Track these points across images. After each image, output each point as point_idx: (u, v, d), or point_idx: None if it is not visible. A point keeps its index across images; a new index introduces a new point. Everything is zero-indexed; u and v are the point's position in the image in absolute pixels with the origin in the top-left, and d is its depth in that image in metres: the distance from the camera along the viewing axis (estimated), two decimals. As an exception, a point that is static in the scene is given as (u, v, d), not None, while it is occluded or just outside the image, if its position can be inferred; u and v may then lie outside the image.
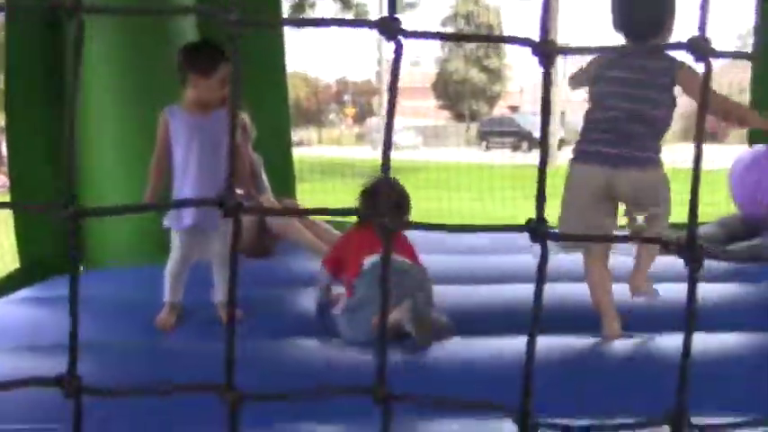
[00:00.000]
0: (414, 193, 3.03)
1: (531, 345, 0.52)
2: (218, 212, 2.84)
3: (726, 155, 8.17)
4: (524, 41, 0.59)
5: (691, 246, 0.51)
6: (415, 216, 3.07)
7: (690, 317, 0.56)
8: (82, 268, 4.15)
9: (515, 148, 26.80)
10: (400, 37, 0.59)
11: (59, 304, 3.17)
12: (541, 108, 0.61)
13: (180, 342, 2.56)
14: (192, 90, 2.82)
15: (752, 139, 5.27)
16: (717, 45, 0.61)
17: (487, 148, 27.58)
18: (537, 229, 0.49)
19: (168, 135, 2.85)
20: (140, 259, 3.73)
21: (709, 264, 3.45)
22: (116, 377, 2.12)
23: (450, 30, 38.64)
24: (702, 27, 0.61)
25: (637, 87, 2.62)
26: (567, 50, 0.64)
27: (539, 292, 0.51)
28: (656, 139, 2.69)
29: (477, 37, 0.77)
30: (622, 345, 2.53)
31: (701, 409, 1.99)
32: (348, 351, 2.43)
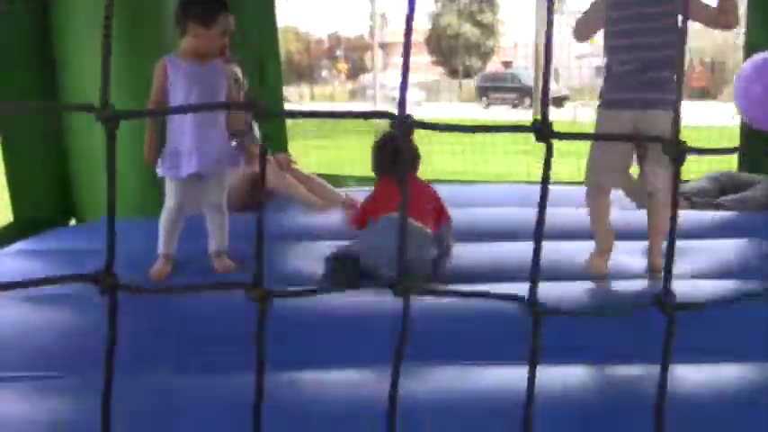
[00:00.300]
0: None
1: (538, 236, 0.53)
2: (215, 159, 2.86)
3: (720, 111, 8.17)
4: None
5: (675, 141, 0.51)
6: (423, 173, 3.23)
7: (669, 247, 0.57)
8: (74, 221, 4.16)
9: (516, 104, 26.45)
10: None
11: (53, 257, 3.20)
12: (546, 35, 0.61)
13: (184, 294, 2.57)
14: (191, 40, 2.85)
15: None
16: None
17: (488, 104, 27.13)
18: (541, 130, 0.50)
19: (166, 83, 2.83)
20: (134, 212, 3.73)
21: (700, 217, 3.48)
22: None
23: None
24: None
25: (646, 35, 2.65)
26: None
27: (544, 191, 0.51)
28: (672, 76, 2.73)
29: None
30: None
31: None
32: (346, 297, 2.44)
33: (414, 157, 3.16)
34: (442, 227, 3.06)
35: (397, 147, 3.14)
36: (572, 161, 3.92)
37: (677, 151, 0.51)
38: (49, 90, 3.90)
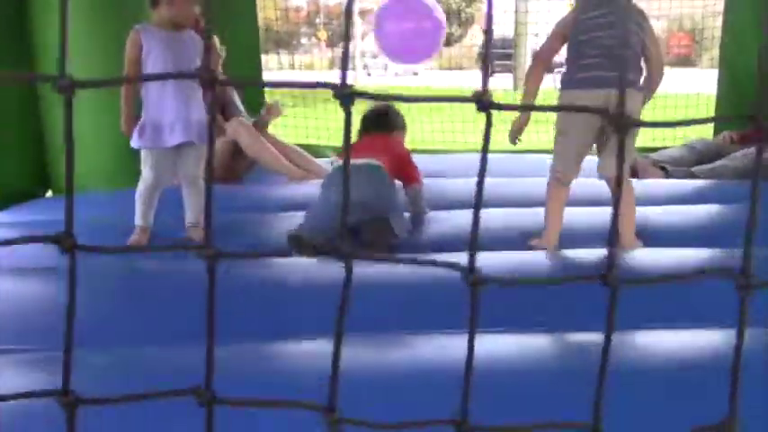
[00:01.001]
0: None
1: (477, 207, 0.53)
2: (197, 130, 2.83)
3: (701, 78, 8.20)
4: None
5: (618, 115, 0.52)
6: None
7: (613, 219, 0.57)
8: (50, 193, 4.11)
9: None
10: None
11: (28, 228, 3.16)
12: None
13: (152, 263, 2.57)
14: (167, 8, 2.82)
15: (722, 63, 5.29)
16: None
17: (492, 72, 26.79)
18: (481, 100, 0.50)
19: (140, 53, 2.79)
20: (109, 183, 3.70)
21: (678, 186, 3.51)
22: (93, 302, 2.14)
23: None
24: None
25: (615, 27, 2.70)
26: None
27: (483, 160, 0.52)
28: (638, 64, 2.77)
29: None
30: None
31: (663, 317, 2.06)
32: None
33: (396, 122, 3.29)
34: (410, 186, 3.09)
35: (381, 110, 3.25)
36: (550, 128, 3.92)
37: (622, 123, 0.52)
38: (24, 63, 3.83)
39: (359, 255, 0.57)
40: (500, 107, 0.51)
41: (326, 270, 2.32)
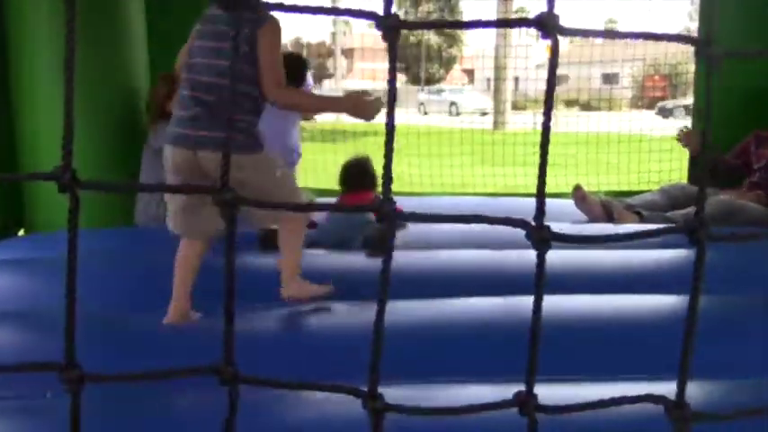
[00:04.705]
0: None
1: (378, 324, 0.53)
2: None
3: (672, 124, 8.34)
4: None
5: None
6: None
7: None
8: (22, 232, 4.06)
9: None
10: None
11: (2, 267, 3.10)
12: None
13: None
14: None
15: (695, 107, 5.39)
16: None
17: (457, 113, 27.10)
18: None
19: None
20: (83, 220, 3.66)
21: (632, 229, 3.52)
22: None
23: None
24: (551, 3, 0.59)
25: (219, 57, 2.34)
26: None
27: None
28: (248, 114, 2.40)
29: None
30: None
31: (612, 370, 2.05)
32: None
33: (373, 178, 3.45)
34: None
35: (361, 168, 3.45)
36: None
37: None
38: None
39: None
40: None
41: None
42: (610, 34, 0.69)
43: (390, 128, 0.61)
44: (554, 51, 0.61)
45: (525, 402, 0.58)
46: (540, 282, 0.58)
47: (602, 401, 0.59)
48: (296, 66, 3.61)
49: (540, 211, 0.58)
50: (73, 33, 0.54)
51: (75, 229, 0.57)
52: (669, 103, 22.46)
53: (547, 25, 0.58)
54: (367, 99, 2.52)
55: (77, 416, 0.57)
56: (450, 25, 0.67)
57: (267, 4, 0.65)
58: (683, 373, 0.57)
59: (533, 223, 0.58)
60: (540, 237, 0.56)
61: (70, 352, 0.58)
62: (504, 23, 0.65)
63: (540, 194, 0.59)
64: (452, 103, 28.39)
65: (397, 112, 0.66)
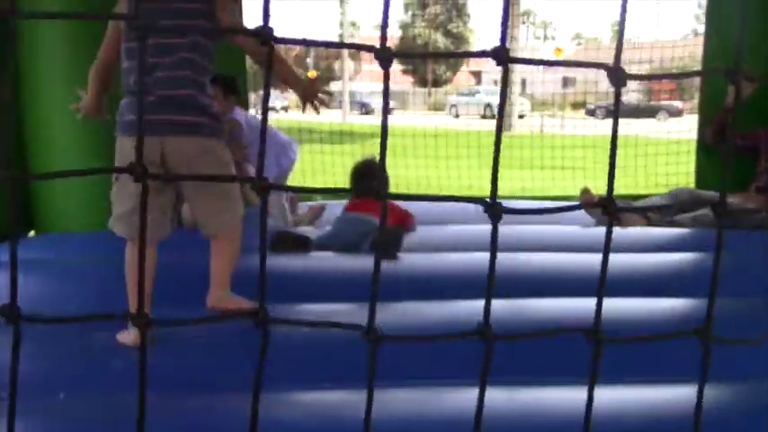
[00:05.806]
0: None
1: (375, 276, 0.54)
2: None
3: (685, 126, 8.35)
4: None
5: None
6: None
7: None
8: (32, 233, 4.09)
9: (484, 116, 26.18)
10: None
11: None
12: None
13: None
14: None
15: (702, 111, 5.37)
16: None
17: (457, 114, 26.62)
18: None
19: None
20: (93, 223, 3.69)
21: (661, 234, 3.53)
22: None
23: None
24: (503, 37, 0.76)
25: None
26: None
27: None
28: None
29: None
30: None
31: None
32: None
33: (385, 181, 3.41)
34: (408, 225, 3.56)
35: (372, 172, 3.52)
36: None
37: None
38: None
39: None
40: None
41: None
42: (551, 63, 0.86)
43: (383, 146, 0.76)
44: (504, 81, 0.80)
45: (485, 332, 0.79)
46: (494, 245, 0.80)
47: (547, 330, 0.61)
48: (231, 83, 4.02)
49: (494, 189, 0.78)
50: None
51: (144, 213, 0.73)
52: (592, 105, 22.21)
53: (499, 56, 0.74)
54: (319, 89, 2.58)
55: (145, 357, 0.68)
56: (432, 55, 0.87)
57: (276, 37, 0.73)
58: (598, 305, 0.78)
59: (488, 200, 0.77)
60: (494, 210, 0.76)
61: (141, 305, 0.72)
62: (467, 54, 0.84)
63: (494, 178, 0.79)
64: (487, 105, 27.51)
65: (402, 113, 0.71)
